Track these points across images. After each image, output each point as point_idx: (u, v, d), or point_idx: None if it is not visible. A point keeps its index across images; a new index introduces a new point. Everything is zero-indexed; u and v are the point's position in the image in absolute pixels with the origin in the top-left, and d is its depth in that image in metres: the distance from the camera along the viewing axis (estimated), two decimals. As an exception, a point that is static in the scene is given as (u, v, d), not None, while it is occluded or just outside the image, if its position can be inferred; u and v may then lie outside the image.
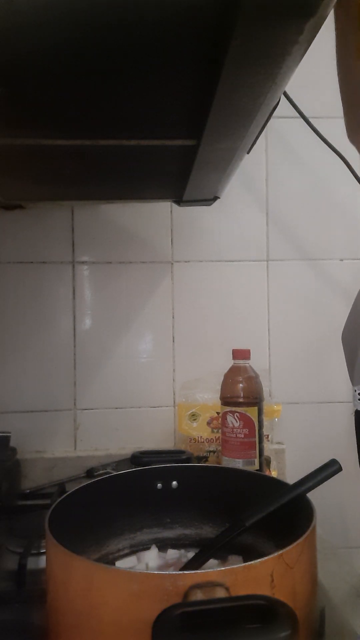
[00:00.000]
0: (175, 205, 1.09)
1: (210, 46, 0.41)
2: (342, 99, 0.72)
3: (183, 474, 0.69)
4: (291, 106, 0.95)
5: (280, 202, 1.13)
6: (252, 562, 0.44)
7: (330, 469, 0.58)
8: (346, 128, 0.74)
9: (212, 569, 0.48)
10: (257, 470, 0.87)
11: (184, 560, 0.62)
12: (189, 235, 1.11)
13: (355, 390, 0.67)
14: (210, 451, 1.00)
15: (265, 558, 0.44)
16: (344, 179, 1.08)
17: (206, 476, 0.69)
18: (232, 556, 0.62)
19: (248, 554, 0.61)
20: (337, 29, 0.65)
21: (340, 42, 0.66)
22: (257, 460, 0.87)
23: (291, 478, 0.62)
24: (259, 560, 0.44)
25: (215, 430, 1.00)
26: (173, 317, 1.11)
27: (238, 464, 0.87)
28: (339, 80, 0.71)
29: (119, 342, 1.10)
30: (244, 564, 0.44)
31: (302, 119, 0.99)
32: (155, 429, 1.10)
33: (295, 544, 0.46)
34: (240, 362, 0.90)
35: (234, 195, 1.09)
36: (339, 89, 0.70)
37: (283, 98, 0.79)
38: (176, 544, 0.68)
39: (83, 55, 0.43)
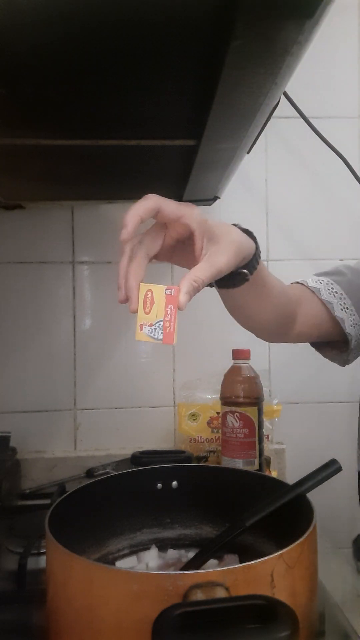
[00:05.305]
0: (175, 206, 1.09)
1: (211, 46, 0.41)
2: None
3: (183, 474, 0.69)
4: (291, 106, 0.95)
5: (280, 202, 1.13)
6: (252, 562, 0.44)
7: (330, 469, 0.58)
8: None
9: (212, 569, 0.48)
10: (257, 470, 0.87)
11: (184, 560, 0.62)
12: (189, 235, 1.11)
13: None
14: (210, 451, 1.00)
15: (265, 558, 0.44)
16: (344, 179, 1.08)
17: (206, 476, 0.69)
18: (228, 555, 0.62)
19: (248, 554, 0.61)
20: None
21: None
22: (257, 460, 0.87)
23: (291, 478, 0.61)
24: (259, 560, 0.44)
25: (215, 430, 1.00)
26: (173, 317, 1.11)
27: (238, 464, 0.87)
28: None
29: (119, 342, 1.10)
30: (244, 564, 0.44)
31: (302, 119, 0.99)
32: (155, 429, 1.10)
33: (295, 544, 0.46)
34: (240, 362, 0.90)
35: (234, 195, 1.08)
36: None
37: (283, 98, 0.79)
38: (176, 544, 0.67)
39: (83, 55, 0.43)
